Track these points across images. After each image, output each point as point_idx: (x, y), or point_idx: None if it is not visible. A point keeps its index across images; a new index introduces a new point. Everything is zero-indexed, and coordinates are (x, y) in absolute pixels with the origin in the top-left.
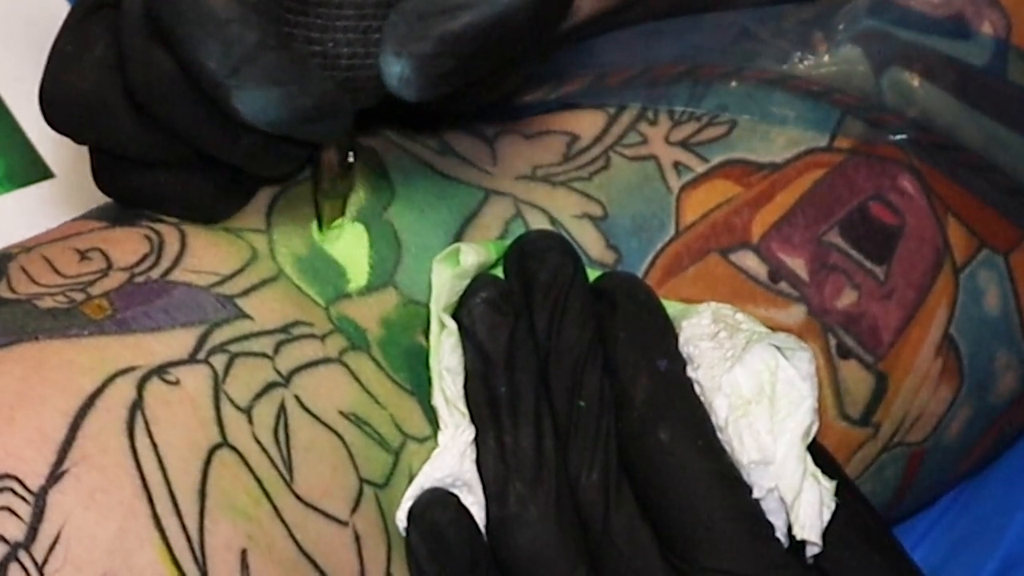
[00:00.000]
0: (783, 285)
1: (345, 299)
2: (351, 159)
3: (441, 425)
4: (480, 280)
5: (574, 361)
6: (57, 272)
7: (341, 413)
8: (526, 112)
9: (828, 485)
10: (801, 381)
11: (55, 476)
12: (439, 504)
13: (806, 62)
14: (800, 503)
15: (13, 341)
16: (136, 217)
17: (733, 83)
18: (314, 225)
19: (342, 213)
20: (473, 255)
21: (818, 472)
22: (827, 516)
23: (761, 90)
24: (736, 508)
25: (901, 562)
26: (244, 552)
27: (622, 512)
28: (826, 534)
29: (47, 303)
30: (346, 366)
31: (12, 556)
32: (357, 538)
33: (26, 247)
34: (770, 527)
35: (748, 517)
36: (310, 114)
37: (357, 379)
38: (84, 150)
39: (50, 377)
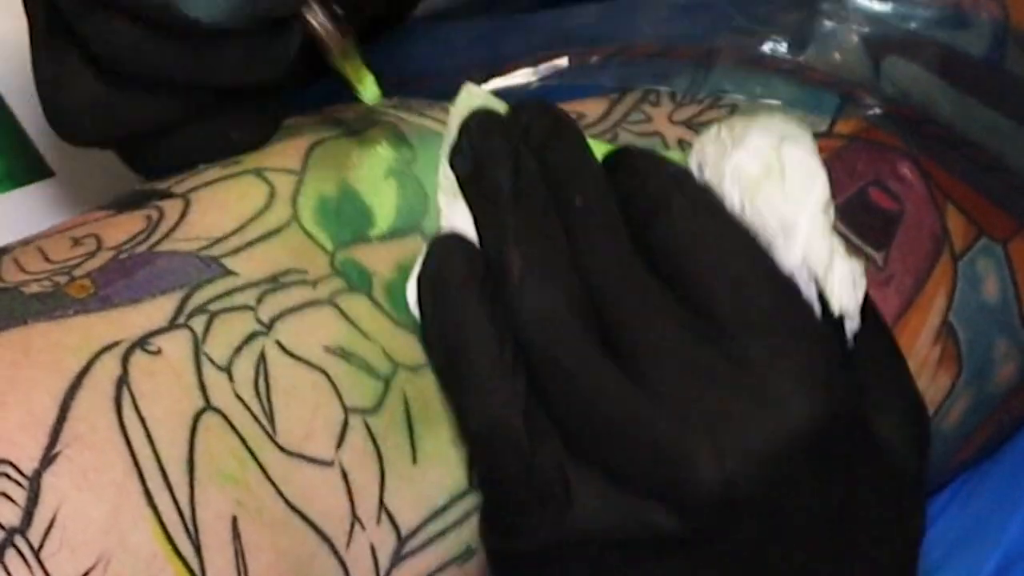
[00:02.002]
0: None
1: (360, 243)
2: (339, 12)
3: (442, 219)
4: (475, 110)
5: (572, 169)
6: (47, 259)
7: (326, 348)
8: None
9: (858, 265)
10: (810, 157)
11: (48, 459)
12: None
13: (791, 46)
14: (832, 277)
15: (2, 327)
16: (147, 197)
17: (728, 67)
18: (350, 173)
19: (367, 65)
20: (483, 98)
21: (844, 251)
22: (860, 294)
23: (760, 75)
24: (764, 270)
25: (901, 375)
26: (235, 519)
27: (636, 282)
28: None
29: (32, 288)
30: (336, 307)
31: (8, 542)
32: (344, 475)
33: (26, 241)
34: (799, 291)
35: (778, 280)
36: None
37: (346, 317)
38: (85, 150)
39: (39, 360)
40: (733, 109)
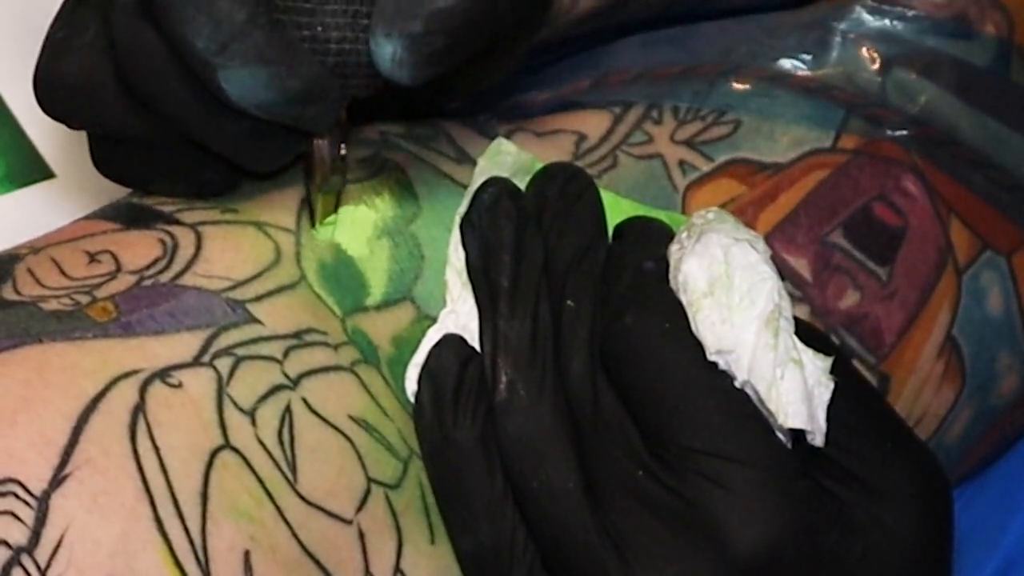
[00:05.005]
0: (786, 285)
1: (362, 312)
2: (343, 151)
3: (449, 300)
4: (491, 178)
5: (568, 261)
6: (64, 274)
7: (351, 417)
8: (531, 111)
9: (822, 364)
10: (762, 264)
11: (58, 480)
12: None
13: (808, 63)
14: (778, 391)
15: (16, 344)
16: (152, 219)
17: (733, 83)
18: (335, 229)
19: (335, 209)
20: (513, 154)
21: (804, 355)
22: (825, 396)
23: (765, 90)
24: (709, 387)
25: (907, 441)
26: (247, 553)
27: (604, 403)
28: (830, 419)
29: (52, 305)
30: (357, 376)
31: (15, 560)
32: (361, 535)
33: (35, 248)
34: (750, 404)
35: (722, 395)
36: (299, 96)
37: (368, 390)
38: (85, 150)
39: (53, 380)
40: (737, 125)
